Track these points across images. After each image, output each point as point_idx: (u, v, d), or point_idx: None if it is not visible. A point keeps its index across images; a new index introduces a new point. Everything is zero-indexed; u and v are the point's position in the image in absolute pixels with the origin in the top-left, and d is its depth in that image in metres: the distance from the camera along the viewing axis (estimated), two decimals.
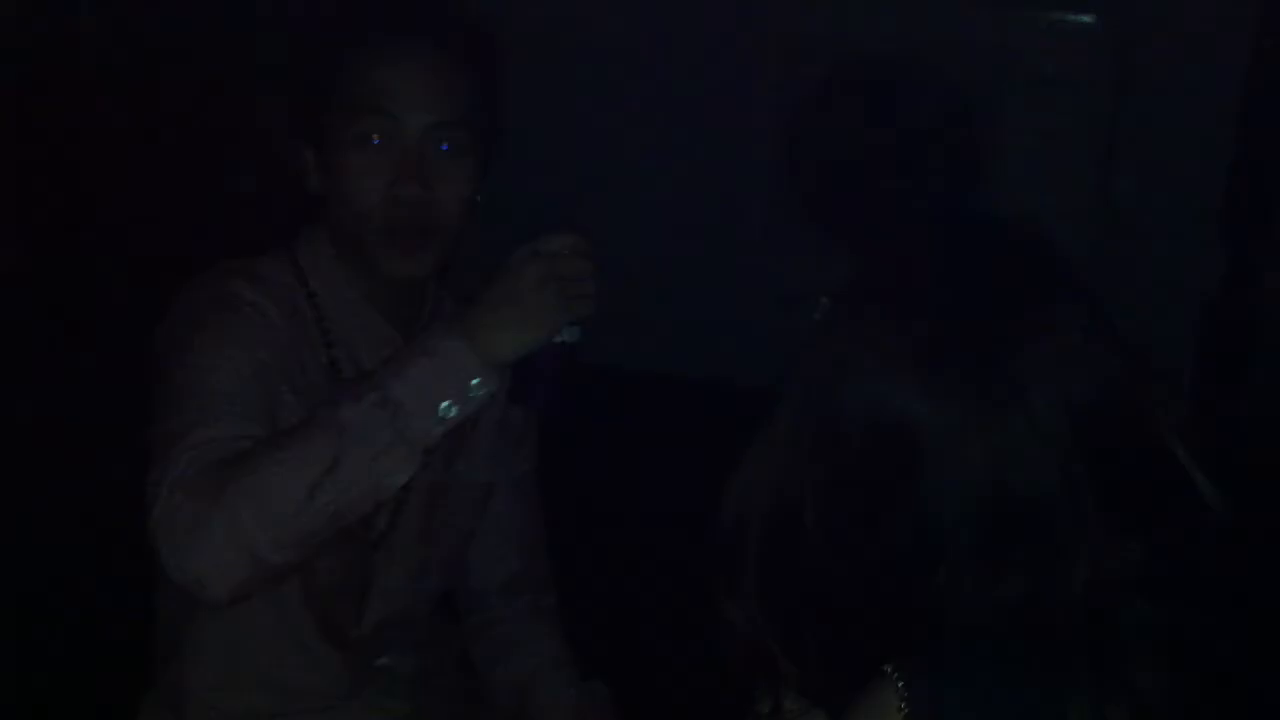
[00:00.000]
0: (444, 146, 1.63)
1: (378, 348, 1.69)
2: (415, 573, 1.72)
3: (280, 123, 1.73)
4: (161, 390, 1.58)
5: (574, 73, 3.08)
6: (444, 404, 1.46)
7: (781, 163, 2.83)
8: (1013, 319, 1.43)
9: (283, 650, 1.69)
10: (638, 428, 2.95)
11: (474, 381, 1.46)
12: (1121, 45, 2.78)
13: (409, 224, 1.62)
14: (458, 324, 1.47)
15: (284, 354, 1.64)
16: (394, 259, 1.64)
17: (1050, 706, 1.33)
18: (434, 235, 1.63)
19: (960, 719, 1.30)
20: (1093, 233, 2.76)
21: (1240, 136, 2.73)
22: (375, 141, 1.61)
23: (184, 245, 2.30)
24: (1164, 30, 2.73)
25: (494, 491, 1.84)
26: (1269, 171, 2.73)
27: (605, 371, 2.75)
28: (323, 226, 1.70)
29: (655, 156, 3.04)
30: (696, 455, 2.70)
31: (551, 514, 1.93)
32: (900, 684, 1.24)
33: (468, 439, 1.76)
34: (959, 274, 1.40)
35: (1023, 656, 1.36)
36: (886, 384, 1.43)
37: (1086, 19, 2.83)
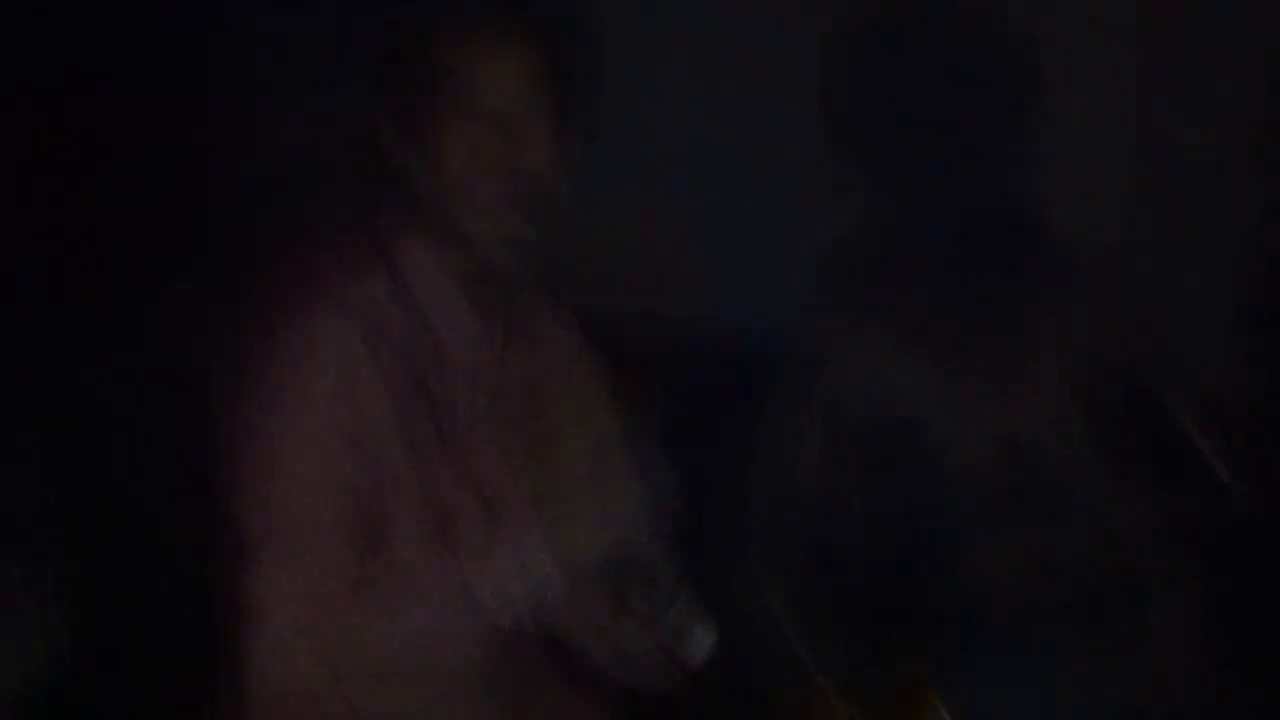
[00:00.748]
0: (536, 118, 1.66)
1: (459, 328, 1.75)
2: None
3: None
4: (246, 485, 1.65)
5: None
6: None
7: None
8: (1022, 297, 1.44)
9: None
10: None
11: None
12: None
13: (511, 201, 1.66)
14: None
15: (387, 363, 1.67)
16: (489, 236, 1.68)
17: (1068, 683, 1.34)
18: (531, 211, 1.67)
19: (990, 707, 1.32)
20: (1131, 172, 2.76)
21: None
22: (468, 112, 1.65)
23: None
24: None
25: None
26: None
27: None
28: (404, 199, 1.72)
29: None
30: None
31: None
32: (926, 676, 1.26)
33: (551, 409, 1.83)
34: (973, 249, 1.40)
35: (1040, 638, 1.37)
36: (892, 356, 1.44)
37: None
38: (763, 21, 2.88)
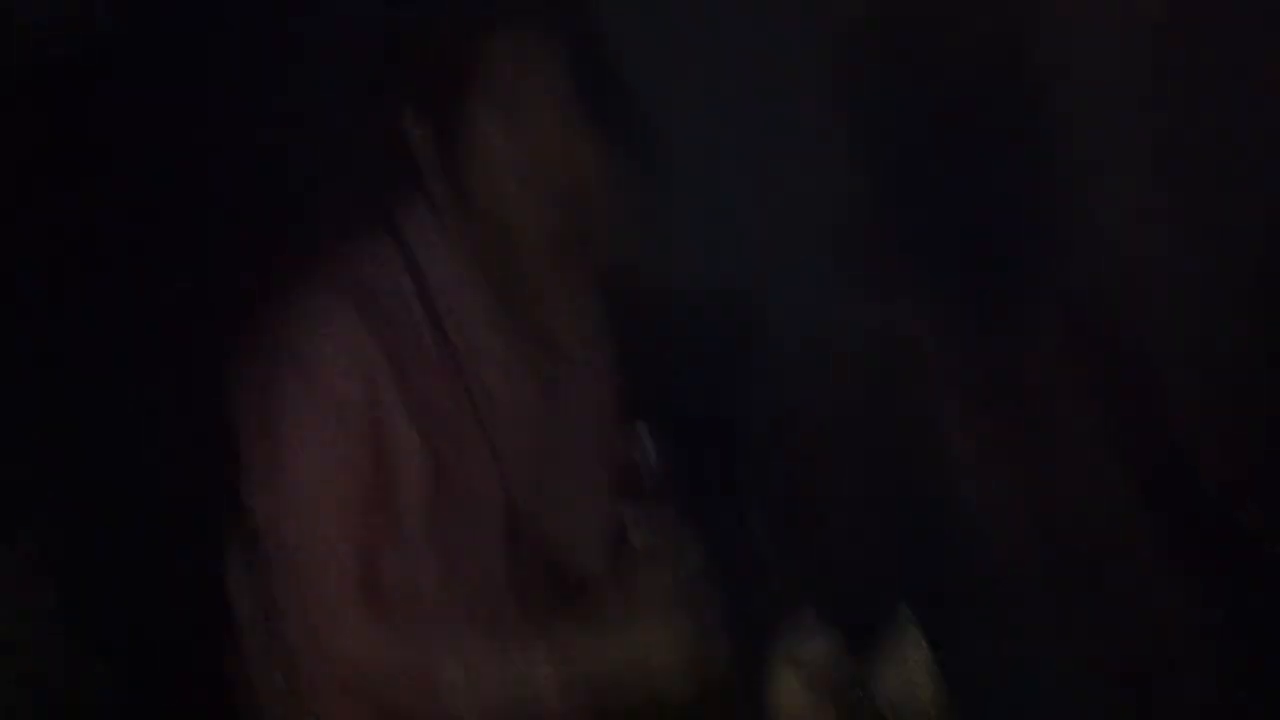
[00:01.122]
0: (576, 128, 1.66)
1: (492, 330, 1.74)
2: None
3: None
4: (251, 444, 1.67)
5: None
6: None
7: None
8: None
9: None
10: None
11: None
12: None
13: (545, 205, 1.66)
14: None
15: (396, 346, 1.68)
16: (527, 247, 1.67)
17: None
18: (568, 231, 1.68)
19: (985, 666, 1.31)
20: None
21: None
22: (508, 121, 1.64)
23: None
24: None
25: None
26: None
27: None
28: (429, 199, 1.72)
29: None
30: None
31: None
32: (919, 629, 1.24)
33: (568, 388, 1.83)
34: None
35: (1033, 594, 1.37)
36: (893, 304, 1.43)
37: None
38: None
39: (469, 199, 1.68)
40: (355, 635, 1.63)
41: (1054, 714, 1.71)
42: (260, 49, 2.60)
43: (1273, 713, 1.75)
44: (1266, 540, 1.78)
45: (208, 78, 2.62)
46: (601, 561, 1.79)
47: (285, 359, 1.67)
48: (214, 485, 1.77)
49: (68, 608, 2.21)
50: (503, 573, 1.72)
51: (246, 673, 1.75)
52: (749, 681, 1.65)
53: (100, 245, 2.58)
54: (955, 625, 1.57)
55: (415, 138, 1.69)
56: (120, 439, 2.54)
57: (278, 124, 2.65)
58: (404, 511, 1.68)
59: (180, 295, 2.61)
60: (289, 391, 1.65)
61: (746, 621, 1.66)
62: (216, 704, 1.81)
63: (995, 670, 1.58)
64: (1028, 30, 2.34)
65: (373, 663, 1.64)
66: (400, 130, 1.70)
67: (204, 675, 1.86)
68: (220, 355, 1.77)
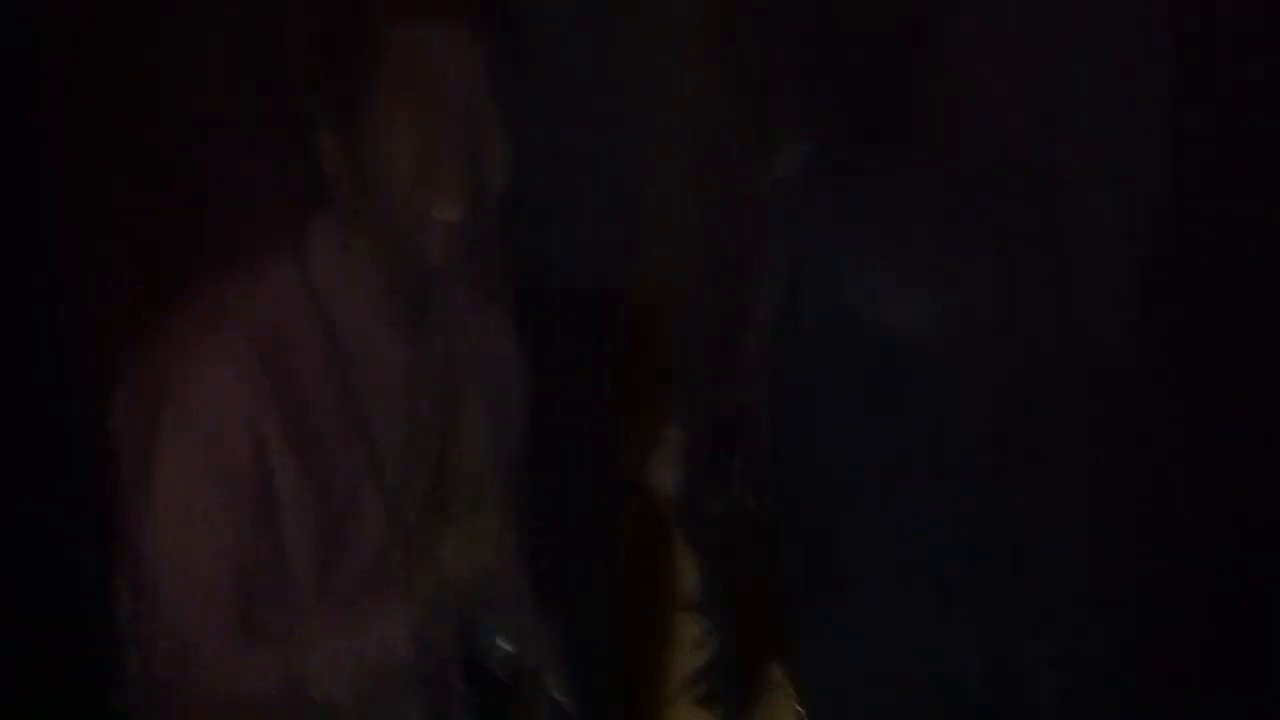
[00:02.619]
0: (481, 119, 1.66)
1: (391, 350, 1.75)
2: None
3: (292, 106, 1.71)
4: (128, 522, 1.67)
5: None
6: None
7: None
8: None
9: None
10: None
11: None
12: None
13: (447, 207, 1.65)
14: None
15: (285, 379, 1.68)
16: (429, 244, 1.66)
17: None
18: (467, 220, 1.66)
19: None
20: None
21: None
22: (411, 116, 1.63)
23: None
24: None
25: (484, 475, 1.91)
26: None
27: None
28: (335, 215, 1.70)
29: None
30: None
31: None
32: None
33: (473, 422, 1.86)
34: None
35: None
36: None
37: None
38: None
39: (370, 202, 1.67)
40: (227, 662, 1.65)
41: None
42: (157, 53, 2.61)
43: None
44: None
45: (101, 83, 2.62)
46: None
47: (164, 383, 1.66)
48: (90, 510, 1.77)
49: None
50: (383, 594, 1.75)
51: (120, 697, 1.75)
52: None
53: None
54: None
55: (322, 144, 1.67)
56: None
57: (178, 138, 2.67)
58: (286, 543, 1.70)
59: (65, 314, 2.62)
60: (165, 418, 1.65)
61: None
62: None
63: None
64: None
65: (246, 686, 1.67)
66: (306, 139, 1.69)
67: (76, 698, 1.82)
68: (102, 377, 1.76)
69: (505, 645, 1.79)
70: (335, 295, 1.72)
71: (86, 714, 1.84)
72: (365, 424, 1.73)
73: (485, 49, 1.67)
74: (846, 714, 1.67)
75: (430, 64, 1.64)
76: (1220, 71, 2.27)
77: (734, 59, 2.62)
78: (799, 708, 1.58)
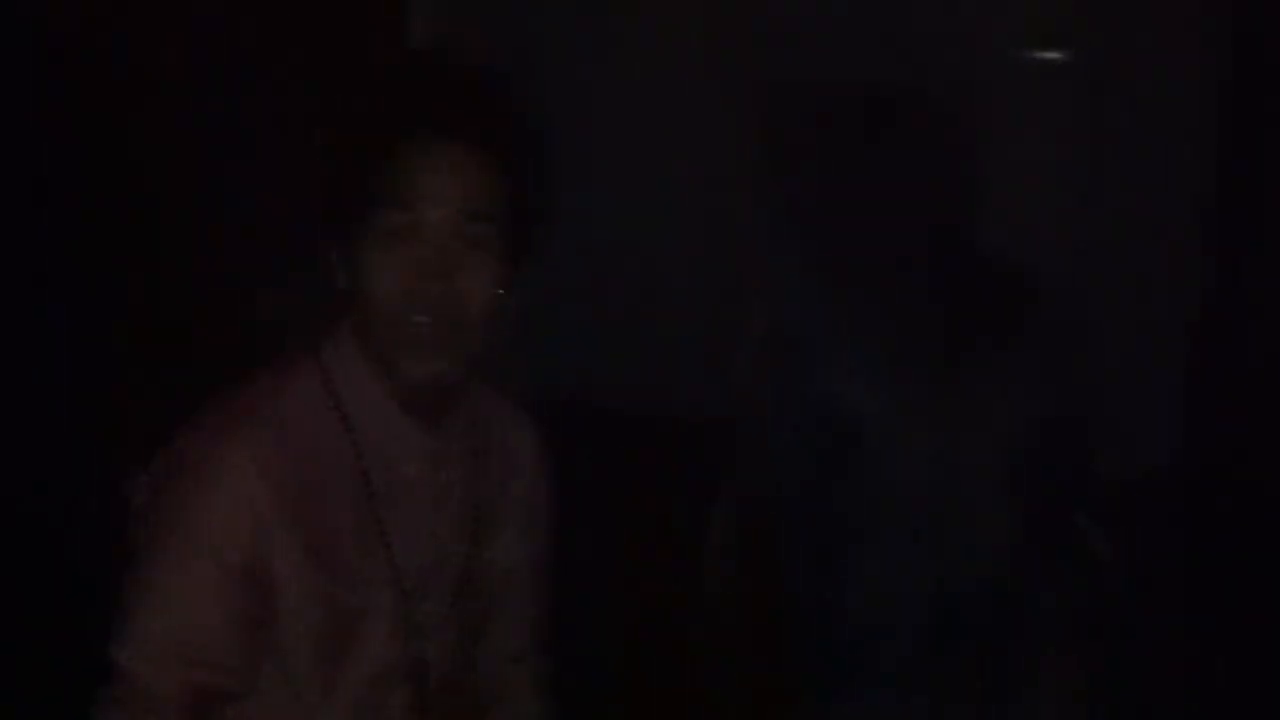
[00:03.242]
0: (466, 241, 1.63)
1: (410, 453, 1.73)
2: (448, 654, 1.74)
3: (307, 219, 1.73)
4: (128, 585, 1.64)
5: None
6: None
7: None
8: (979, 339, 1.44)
9: None
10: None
11: None
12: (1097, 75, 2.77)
13: (431, 321, 1.63)
14: None
15: (300, 490, 1.65)
16: (414, 358, 1.65)
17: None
18: (457, 333, 1.64)
19: None
20: (1079, 248, 2.75)
21: (1226, 143, 2.72)
22: (394, 237, 1.62)
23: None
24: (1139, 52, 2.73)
25: (515, 572, 1.87)
26: (1256, 177, 2.71)
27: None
28: (349, 323, 1.70)
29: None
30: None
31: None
32: None
33: (498, 523, 1.82)
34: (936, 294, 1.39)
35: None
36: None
37: (1058, 55, 2.82)
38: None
39: (367, 315, 1.67)
40: None
41: None
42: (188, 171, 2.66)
43: None
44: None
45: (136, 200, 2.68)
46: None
47: (174, 504, 1.65)
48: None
49: None
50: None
51: None
52: None
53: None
54: None
55: (330, 261, 1.68)
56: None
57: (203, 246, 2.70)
58: (288, 640, 1.67)
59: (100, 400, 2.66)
60: (170, 539, 1.64)
61: None
62: None
63: None
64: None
65: None
66: (318, 244, 1.70)
67: None
68: (126, 464, 1.76)
69: None
70: (352, 394, 1.71)
71: None
72: (382, 525, 1.71)
73: (491, 169, 1.66)
74: None
75: (417, 191, 1.63)
76: None
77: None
78: None
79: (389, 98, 1.68)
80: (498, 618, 1.86)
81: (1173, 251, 2.73)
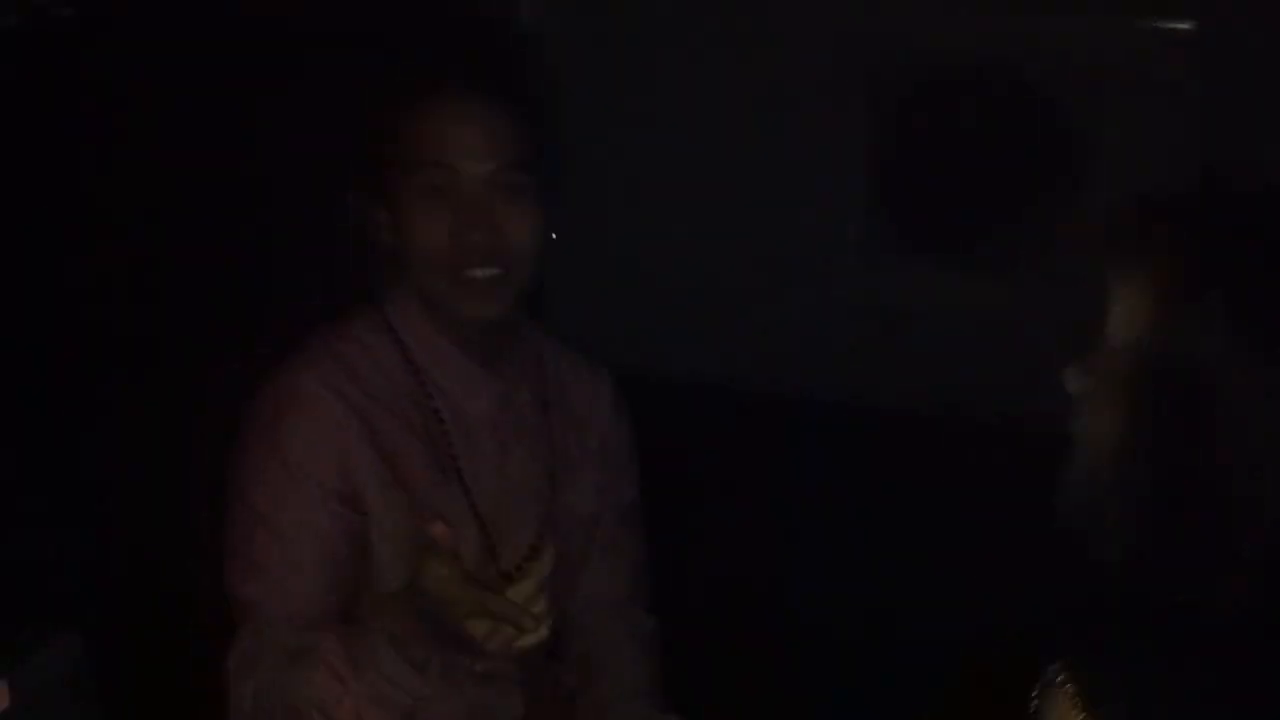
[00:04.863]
0: (504, 190, 1.70)
1: (476, 392, 1.81)
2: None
3: (351, 184, 1.79)
4: (233, 527, 1.72)
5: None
6: None
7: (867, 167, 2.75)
8: None
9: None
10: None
11: None
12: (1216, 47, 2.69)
13: (477, 266, 1.70)
14: None
15: (376, 421, 1.73)
16: (469, 303, 1.73)
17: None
18: (505, 276, 1.71)
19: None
20: None
21: None
22: (437, 192, 1.69)
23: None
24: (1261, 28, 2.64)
25: (600, 520, 1.93)
26: None
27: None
28: (405, 282, 1.75)
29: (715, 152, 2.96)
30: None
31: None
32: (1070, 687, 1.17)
33: (575, 469, 1.87)
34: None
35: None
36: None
37: (1182, 24, 2.74)
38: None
39: (415, 266, 1.73)
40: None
41: None
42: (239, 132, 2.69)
43: None
44: None
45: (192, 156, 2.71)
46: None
47: (262, 437, 1.71)
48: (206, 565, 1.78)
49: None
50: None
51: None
52: None
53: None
54: None
55: (378, 217, 1.74)
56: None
57: (263, 207, 2.74)
58: (378, 560, 1.72)
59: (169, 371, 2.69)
60: (265, 471, 1.70)
61: None
62: None
63: None
64: None
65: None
66: (364, 208, 1.75)
67: None
68: (212, 434, 1.80)
69: None
70: (414, 338, 1.78)
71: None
72: (456, 461, 1.77)
73: (523, 119, 1.71)
74: None
75: (454, 146, 1.70)
76: None
77: None
78: None
79: (418, 56, 1.74)
80: (589, 567, 1.90)
81: None
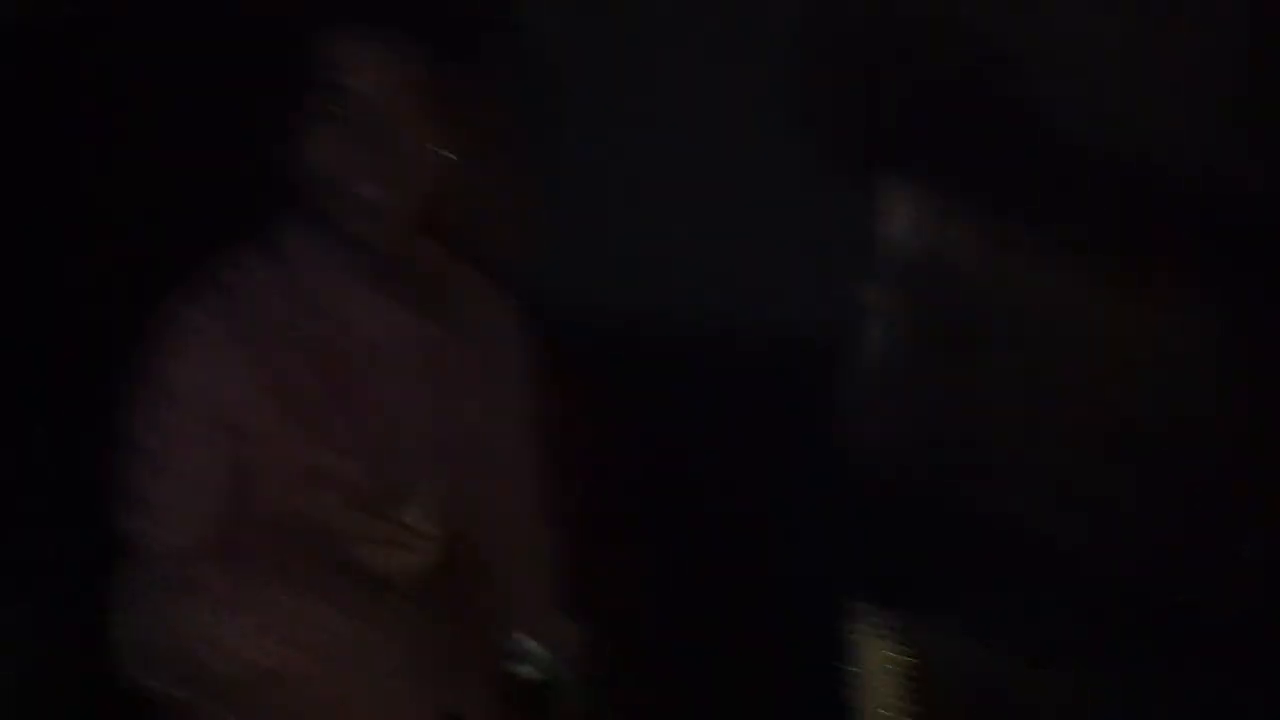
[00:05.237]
0: (399, 111, 1.72)
1: (367, 317, 1.79)
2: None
3: (254, 112, 1.83)
4: (124, 465, 1.74)
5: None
6: None
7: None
8: None
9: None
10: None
11: None
12: None
13: (371, 184, 1.71)
14: None
15: (263, 349, 1.74)
16: (358, 222, 1.72)
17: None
18: (397, 194, 1.72)
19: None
20: None
21: None
22: (329, 113, 1.72)
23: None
24: None
25: (499, 442, 1.93)
26: None
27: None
28: (298, 203, 1.78)
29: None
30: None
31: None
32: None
33: (476, 395, 1.89)
34: None
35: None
36: None
37: None
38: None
39: (316, 191, 1.75)
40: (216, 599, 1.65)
41: None
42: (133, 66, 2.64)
43: None
44: None
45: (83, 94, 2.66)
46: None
47: (147, 371, 1.75)
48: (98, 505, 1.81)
49: None
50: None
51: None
52: None
53: None
54: None
55: (280, 148, 1.77)
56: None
57: (157, 143, 2.69)
58: (267, 488, 1.74)
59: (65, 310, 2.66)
60: (150, 404, 1.75)
61: None
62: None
63: None
64: None
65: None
66: (262, 135, 1.79)
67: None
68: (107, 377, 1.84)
69: (525, 642, 1.66)
70: (310, 267, 1.78)
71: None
72: (351, 388, 1.78)
73: (416, 64, 1.76)
74: None
75: (341, 65, 1.73)
76: None
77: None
78: None
79: None
80: (489, 488, 1.89)
81: None
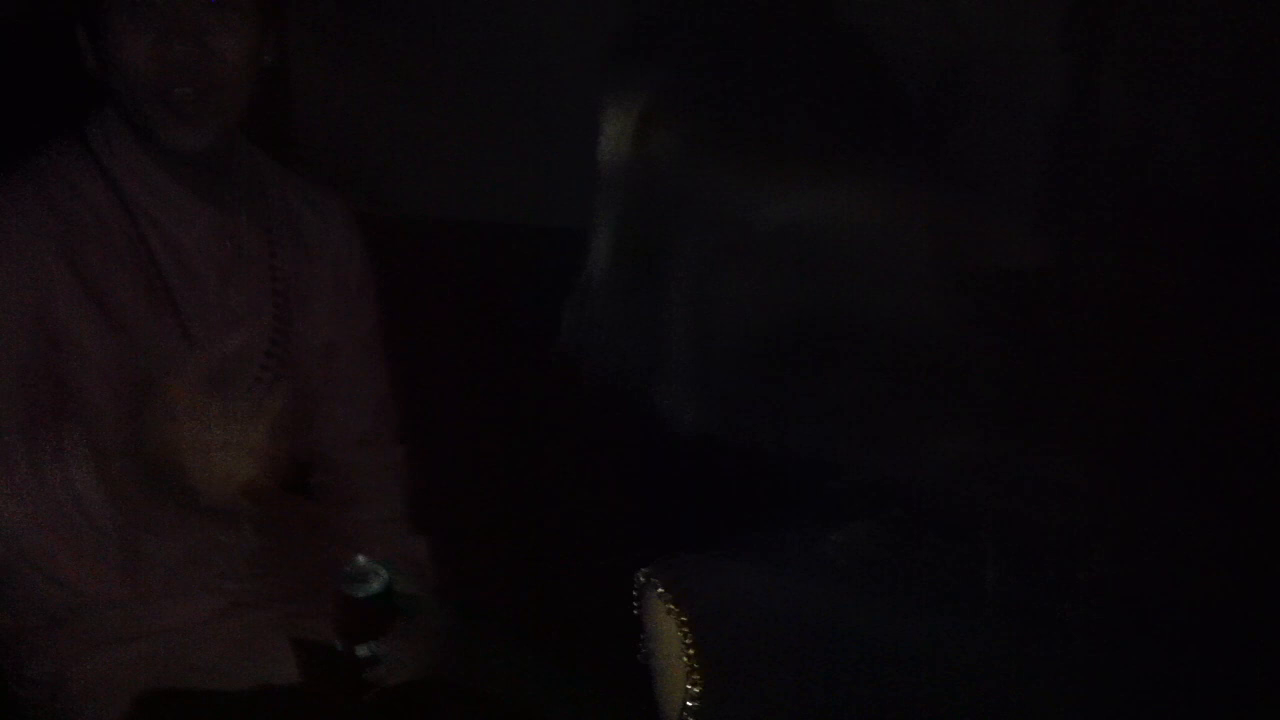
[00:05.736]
0: (212, 6, 1.67)
1: (189, 221, 1.75)
2: (264, 435, 1.71)
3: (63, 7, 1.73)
4: None
5: None
6: None
7: None
8: None
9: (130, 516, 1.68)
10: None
11: None
12: None
13: (183, 85, 1.66)
14: None
15: (81, 255, 1.68)
16: (172, 125, 1.68)
17: None
18: (211, 96, 1.67)
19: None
20: None
21: None
22: (140, 8, 1.65)
23: None
24: None
25: (337, 351, 1.88)
26: None
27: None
28: (112, 107, 1.74)
29: None
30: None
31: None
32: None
33: (306, 300, 1.83)
34: None
35: None
36: None
37: None
38: None
39: (122, 89, 1.70)
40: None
41: None
42: None
43: None
44: None
45: None
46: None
47: None
48: None
49: None
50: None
51: None
52: None
53: None
54: None
55: (80, 43, 1.72)
56: None
57: None
58: (91, 396, 1.69)
59: None
60: None
61: None
62: None
63: None
64: None
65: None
66: (66, 27, 1.74)
67: None
68: None
69: (363, 561, 1.61)
70: (120, 166, 1.73)
71: None
72: (170, 292, 1.74)
73: None
74: None
75: None
76: None
77: None
78: None
79: None
80: (331, 399, 1.87)
81: None
